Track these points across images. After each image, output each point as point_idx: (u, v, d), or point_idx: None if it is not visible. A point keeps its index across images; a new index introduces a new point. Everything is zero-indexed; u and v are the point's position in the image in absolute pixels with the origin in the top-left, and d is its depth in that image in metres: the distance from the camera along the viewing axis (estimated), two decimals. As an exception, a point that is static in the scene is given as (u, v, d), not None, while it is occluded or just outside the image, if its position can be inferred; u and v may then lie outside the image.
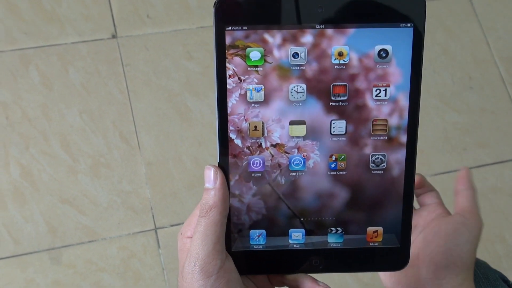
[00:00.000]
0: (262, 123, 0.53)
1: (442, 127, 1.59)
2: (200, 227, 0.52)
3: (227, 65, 0.51)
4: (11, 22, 1.56)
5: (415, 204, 0.70)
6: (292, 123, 0.53)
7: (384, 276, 0.67)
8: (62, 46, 1.56)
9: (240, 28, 0.51)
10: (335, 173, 0.55)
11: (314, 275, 0.57)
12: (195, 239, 0.52)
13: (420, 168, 1.53)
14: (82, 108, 1.50)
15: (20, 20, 1.57)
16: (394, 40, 0.51)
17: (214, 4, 0.50)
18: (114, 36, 1.58)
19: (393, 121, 0.54)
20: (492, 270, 0.78)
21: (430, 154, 1.57)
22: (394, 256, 0.57)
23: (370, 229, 0.56)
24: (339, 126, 0.53)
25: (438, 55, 1.68)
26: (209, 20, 1.63)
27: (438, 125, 1.59)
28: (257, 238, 0.56)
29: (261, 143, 0.53)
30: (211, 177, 0.53)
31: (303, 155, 0.54)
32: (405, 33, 0.51)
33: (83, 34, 1.57)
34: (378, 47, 0.52)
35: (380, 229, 0.56)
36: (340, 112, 0.53)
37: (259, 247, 0.56)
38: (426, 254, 0.63)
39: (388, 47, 0.52)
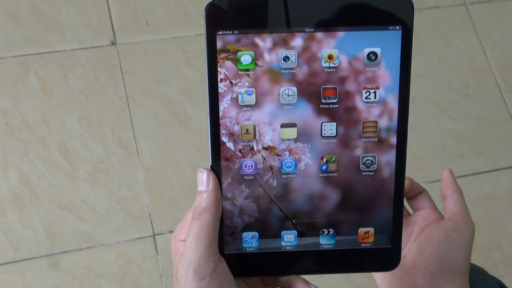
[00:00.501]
0: (254, 126, 0.53)
1: (439, 135, 1.60)
2: (193, 230, 0.52)
3: (219, 69, 0.52)
4: (12, 29, 1.57)
5: (409, 210, 0.70)
6: (283, 125, 0.53)
7: (381, 284, 0.67)
8: (61, 52, 1.56)
9: (231, 32, 0.51)
10: (326, 175, 0.55)
11: (307, 277, 0.57)
12: (188, 242, 0.52)
13: (417, 175, 1.54)
14: (81, 115, 1.51)
15: (21, 27, 1.58)
16: (383, 43, 0.52)
17: (205, 8, 0.50)
18: (113, 43, 1.59)
19: (383, 122, 0.54)
20: (489, 276, 0.78)
21: (427, 161, 1.57)
22: (385, 257, 0.57)
23: (362, 230, 0.57)
24: (330, 128, 0.54)
25: (435, 63, 1.69)
26: (208, 28, 1.64)
27: (435, 132, 1.59)
28: (250, 241, 0.56)
29: (252, 146, 0.54)
30: (203, 180, 0.53)
31: (294, 158, 0.54)
32: (393, 35, 0.52)
33: (83, 41, 1.58)
34: (367, 50, 0.52)
35: (371, 230, 0.57)
36: (330, 114, 0.53)
37: (251, 249, 0.56)
38: (421, 262, 0.63)
39: (377, 50, 0.52)
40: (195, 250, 0.52)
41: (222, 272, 0.53)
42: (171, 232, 1.43)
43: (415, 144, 1.56)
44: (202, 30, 1.61)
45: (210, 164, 0.54)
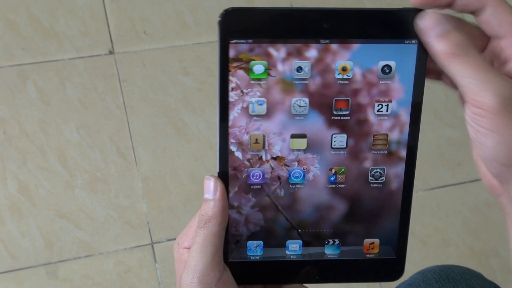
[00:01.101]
0: (263, 136, 0.53)
1: (436, 142, 1.60)
2: (198, 239, 0.52)
3: (230, 77, 0.51)
4: (10, 38, 1.57)
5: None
6: (293, 136, 0.53)
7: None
8: (59, 62, 1.56)
9: (245, 41, 0.50)
10: (335, 186, 0.55)
11: (310, 286, 0.57)
12: (193, 250, 0.52)
13: (415, 182, 1.54)
14: (79, 123, 1.51)
15: (19, 36, 1.58)
16: (398, 56, 0.51)
17: (220, 16, 0.50)
18: (111, 52, 1.59)
19: (394, 135, 0.54)
20: (487, 281, 0.78)
21: (424, 169, 1.57)
22: (389, 267, 0.57)
23: (367, 241, 0.56)
24: (340, 140, 0.53)
25: (432, 71, 1.69)
26: (205, 36, 1.64)
27: (433, 140, 1.60)
28: (255, 249, 0.56)
29: (261, 156, 0.53)
30: (211, 188, 0.53)
31: (303, 168, 0.54)
32: (409, 49, 0.51)
33: (81, 50, 1.58)
34: (382, 63, 0.52)
35: (376, 241, 0.56)
36: (341, 126, 0.53)
37: (256, 257, 0.56)
38: None
39: (392, 63, 0.51)
40: (200, 259, 0.51)
41: (226, 281, 0.53)
42: (169, 240, 1.43)
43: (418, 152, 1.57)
44: (199, 39, 1.62)
45: (218, 172, 0.54)
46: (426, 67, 0.52)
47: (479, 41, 0.52)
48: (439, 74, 0.54)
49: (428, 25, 0.49)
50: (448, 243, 1.50)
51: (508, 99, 0.46)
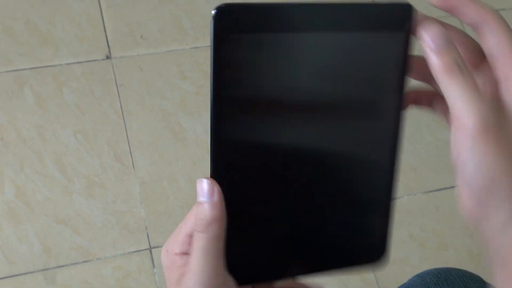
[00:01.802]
0: None
1: (435, 145, 1.60)
2: (200, 243, 0.50)
3: None
4: (6, 44, 1.57)
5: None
6: None
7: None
8: (56, 67, 1.56)
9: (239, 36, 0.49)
10: None
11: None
12: (196, 256, 0.50)
13: (413, 185, 1.54)
14: (76, 128, 1.51)
15: (15, 41, 1.58)
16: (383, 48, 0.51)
17: (213, 11, 0.48)
18: (108, 57, 1.59)
19: None
20: (486, 284, 0.78)
21: (422, 171, 1.57)
22: (374, 255, 0.56)
23: (350, 228, 0.55)
24: None
25: (430, 73, 1.69)
26: (203, 41, 1.64)
27: (431, 142, 1.60)
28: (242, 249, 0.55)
29: None
30: (205, 190, 0.50)
31: None
32: (395, 42, 0.51)
33: (78, 55, 1.58)
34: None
35: (360, 228, 0.56)
36: None
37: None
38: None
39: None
40: (204, 263, 0.50)
41: (230, 283, 0.52)
42: (168, 245, 1.43)
43: (410, 154, 1.57)
44: (196, 43, 1.62)
45: (210, 174, 0.53)
46: (410, 63, 0.52)
47: (476, 56, 0.52)
48: (428, 79, 0.54)
49: (429, 36, 0.49)
50: (447, 246, 1.50)
51: (490, 122, 0.47)
